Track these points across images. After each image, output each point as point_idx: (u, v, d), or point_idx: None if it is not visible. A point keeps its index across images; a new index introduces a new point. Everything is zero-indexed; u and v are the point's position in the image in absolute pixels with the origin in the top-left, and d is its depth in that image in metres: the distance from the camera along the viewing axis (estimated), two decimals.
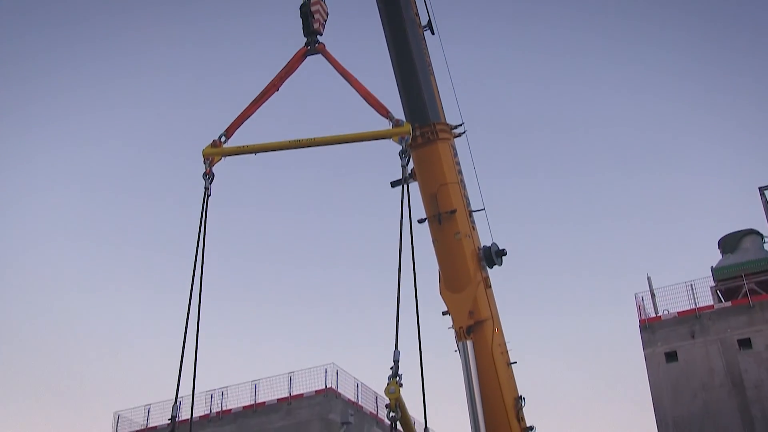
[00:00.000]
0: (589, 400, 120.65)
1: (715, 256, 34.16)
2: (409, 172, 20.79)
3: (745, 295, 31.16)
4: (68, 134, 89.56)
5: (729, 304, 31.33)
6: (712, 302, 31.84)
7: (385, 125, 15.65)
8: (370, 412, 36.58)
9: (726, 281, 32.37)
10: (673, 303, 32.25)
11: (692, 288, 31.93)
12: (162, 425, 36.47)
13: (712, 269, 32.88)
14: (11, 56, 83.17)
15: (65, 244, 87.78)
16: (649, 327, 31.93)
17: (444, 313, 23.66)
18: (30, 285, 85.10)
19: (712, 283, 32.72)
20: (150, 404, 38.84)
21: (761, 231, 33.91)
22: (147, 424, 38.43)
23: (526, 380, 23.78)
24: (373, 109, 15.99)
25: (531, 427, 23.53)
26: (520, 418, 23.46)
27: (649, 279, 33.00)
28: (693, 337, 31.19)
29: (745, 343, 30.32)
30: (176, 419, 21.16)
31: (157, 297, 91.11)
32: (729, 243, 33.81)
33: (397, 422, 19.57)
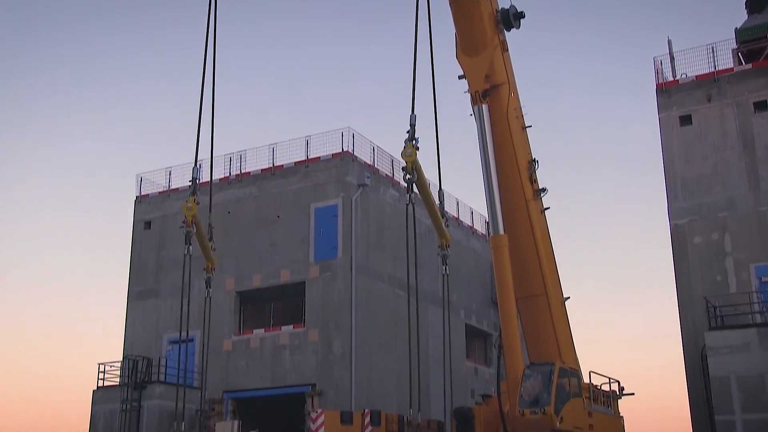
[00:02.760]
0: (600, 164, 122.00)
1: (741, 18, 33.26)
2: None
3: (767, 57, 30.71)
4: None
5: (749, 66, 30.94)
6: (732, 65, 31.42)
7: None
8: (386, 175, 37.32)
9: (749, 43, 31.71)
10: (693, 67, 31.85)
11: (713, 51, 31.37)
12: (183, 187, 37.45)
13: (736, 30, 32.12)
14: None
15: None
16: (666, 91, 31.75)
17: (460, 77, 23.60)
18: None
19: (735, 45, 32.11)
20: (171, 167, 39.75)
21: None
22: (169, 186, 39.50)
23: (538, 144, 24.04)
24: None
25: (543, 189, 24.10)
26: (533, 181, 24.00)
27: (669, 42, 32.37)
28: (709, 100, 31.10)
29: (760, 106, 30.26)
30: (197, 181, 21.87)
31: (173, 62, 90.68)
32: (757, 1, 32.68)
33: (413, 184, 20.18)
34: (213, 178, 24.71)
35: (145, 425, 33.05)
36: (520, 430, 21.35)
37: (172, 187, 39.34)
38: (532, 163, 23.98)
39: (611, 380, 24.27)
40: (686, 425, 29.48)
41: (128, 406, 33.16)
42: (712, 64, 31.32)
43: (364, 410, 23.39)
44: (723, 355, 24.93)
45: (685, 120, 31.40)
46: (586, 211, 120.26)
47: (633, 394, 25.19)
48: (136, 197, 40.32)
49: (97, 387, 34.96)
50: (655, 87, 31.94)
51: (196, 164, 21.97)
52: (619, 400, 24.52)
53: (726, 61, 31.56)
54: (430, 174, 21.77)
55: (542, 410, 20.78)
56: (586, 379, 23.04)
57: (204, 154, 23.47)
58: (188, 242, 20.83)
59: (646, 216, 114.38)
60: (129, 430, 32.80)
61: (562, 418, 20.91)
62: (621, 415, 24.49)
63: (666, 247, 30.95)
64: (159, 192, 39.78)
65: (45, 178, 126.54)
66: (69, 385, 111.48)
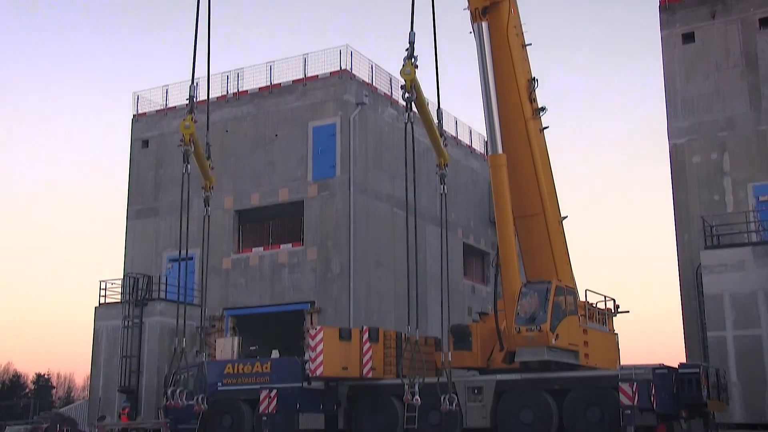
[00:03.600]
0: (600, 84, 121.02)
1: None
2: None
3: None
4: None
5: None
6: None
7: None
8: (385, 94, 37.05)
9: None
10: None
11: None
12: (181, 106, 37.20)
13: None
14: None
15: None
16: (670, 8, 31.32)
17: None
18: None
19: None
20: (168, 85, 39.42)
21: None
22: (166, 105, 39.23)
23: (538, 63, 23.78)
24: None
25: (542, 108, 23.98)
26: (532, 99, 23.87)
27: None
28: (713, 17, 30.71)
29: (766, 22, 29.89)
30: (194, 99, 21.73)
31: None
32: None
33: (412, 103, 20.05)
34: (210, 96, 24.51)
35: (147, 341, 33.58)
36: (517, 347, 21.71)
37: (170, 105, 39.09)
38: (532, 81, 23.80)
39: (606, 298, 24.57)
40: (679, 342, 30.01)
41: (130, 323, 33.63)
42: None
43: (363, 327, 23.71)
44: (717, 273, 25.19)
45: (688, 38, 31.06)
46: (584, 130, 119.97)
47: (628, 311, 25.51)
48: (134, 116, 40.07)
49: (99, 304, 35.41)
50: (659, 4, 31.50)
51: (193, 82, 21.82)
52: (614, 318, 24.85)
53: None
54: (428, 93, 21.63)
55: (538, 327, 21.09)
56: (581, 297, 23.31)
57: (201, 72, 23.30)
58: (186, 161, 20.80)
59: (645, 136, 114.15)
60: (131, 346, 33.35)
61: (557, 335, 21.24)
62: (616, 332, 24.86)
63: (665, 166, 30.98)
64: (156, 110, 39.53)
65: (42, 93, 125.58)
66: (72, 303, 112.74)
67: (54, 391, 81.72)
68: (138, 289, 34.49)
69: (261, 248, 35.80)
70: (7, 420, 42.59)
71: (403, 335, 23.10)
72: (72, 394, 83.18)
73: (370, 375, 22.70)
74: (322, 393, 23.72)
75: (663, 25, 31.37)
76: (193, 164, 21.42)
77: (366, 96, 35.06)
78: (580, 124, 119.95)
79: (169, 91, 39.19)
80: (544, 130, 24.11)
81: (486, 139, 24.51)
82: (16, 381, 78.25)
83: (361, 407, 23.21)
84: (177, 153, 23.33)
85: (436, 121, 21.78)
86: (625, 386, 17.19)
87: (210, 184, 23.02)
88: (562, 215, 24.01)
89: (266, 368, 24.22)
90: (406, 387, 19.49)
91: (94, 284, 52.14)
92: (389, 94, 37.25)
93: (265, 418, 20.70)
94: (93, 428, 31.06)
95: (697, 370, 20.42)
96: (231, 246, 36.08)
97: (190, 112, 21.21)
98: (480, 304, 40.01)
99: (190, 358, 23.45)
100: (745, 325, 24.47)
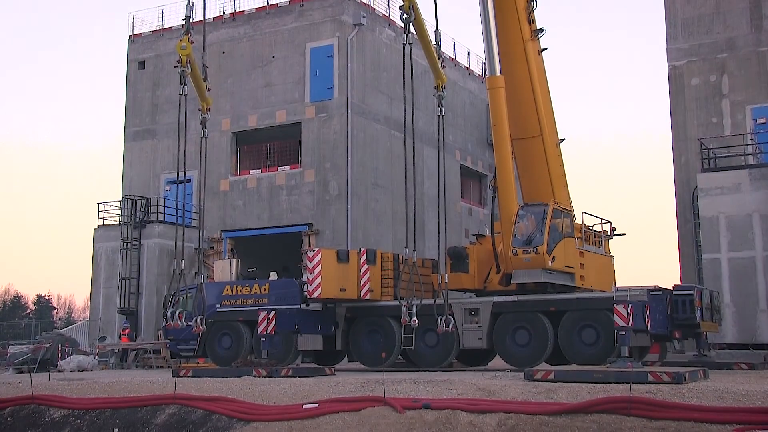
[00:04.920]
0: (600, 4, 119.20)
1: None
2: None
3: None
4: None
5: None
6: None
7: None
8: (383, 14, 36.58)
9: None
10: None
11: None
12: (177, 26, 36.69)
13: None
14: None
15: None
16: None
17: None
18: None
19: None
20: (163, 5, 38.88)
21: None
22: (162, 25, 38.75)
23: None
24: None
25: (541, 29, 23.68)
26: (531, 21, 23.56)
27: None
28: None
29: None
30: (190, 19, 21.42)
31: None
32: None
33: (410, 24, 19.82)
34: (207, 16, 24.17)
35: (146, 263, 33.84)
36: (513, 269, 21.89)
37: (166, 26, 38.60)
38: (531, 2, 23.45)
39: (603, 221, 24.68)
40: (674, 265, 30.28)
41: (129, 245, 33.84)
42: None
43: (360, 249, 23.84)
44: (714, 196, 25.27)
45: None
46: (583, 52, 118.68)
47: (624, 234, 25.66)
48: (129, 36, 39.61)
49: (98, 226, 35.56)
50: None
51: (189, 2, 21.48)
52: (610, 241, 25.00)
53: None
54: (426, 13, 21.36)
55: (535, 249, 21.23)
56: (578, 220, 23.41)
57: None
58: (183, 82, 20.61)
59: (644, 57, 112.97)
60: (130, 268, 33.62)
61: (554, 257, 21.39)
62: (612, 254, 25.04)
63: (663, 88, 30.81)
64: (152, 31, 39.06)
65: (37, 14, 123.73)
66: (71, 225, 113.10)
67: (55, 312, 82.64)
68: (136, 211, 34.61)
69: (259, 170, 35.80)
70: (9, 340, 43.22)
71: (400, 257, 23.26)
72: (72, 315, 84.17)
73: (367, 297, 22.92)
74: (320, 314, 24.00)
75: None
76: (191, 86, 21.25)
77: (364, 17, 34.63)
78: (578, 46, 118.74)
79: (165, 11, 38.74)
80: (543, 52, 23.87)
81: (484, 60, 24.27)
82: (17, 302, 79.06)
83: (359, 328, 23.50)
84: (174, 74, 23.13)
85: (433, 42, 21.55)
86: (620, 308, 17.36)
87: (207, 106, 22.86)
88: (560, 138, 23.95)
89: (264, 290, 24.44)
90: (404, 308, 19.70)
91: (93, 206, 52.20)
92: (387, 14, 36.78)
93: (263, 338, 20.93)
94: (94, 348, 31.55)
95: (692, 292, 20.63)
96: (229, 168, 36.07)
97: (187, 32, 20.91)
98: (477, 226, 40.24)
99: (188, 279, 23.64)
100: (739, 248, 24.66)
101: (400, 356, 23.42)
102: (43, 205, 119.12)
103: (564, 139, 24.00)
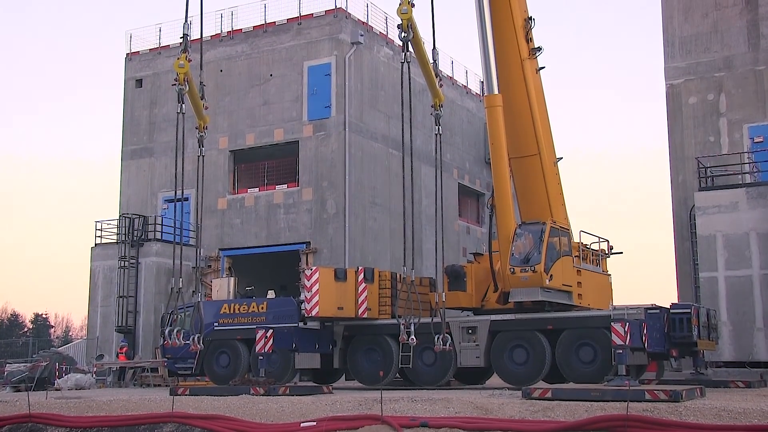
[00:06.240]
0: (598, 23, 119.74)
1: None
2: None
3: None
4: None
5: None
6: None
7: None
8: (381, 33, 36.71)
9: None
10: None
11: None
12: (174, 44, 36.82)
13: None
14: None
15: None
16: None
17: None
18: None
19: None
20: (161, 23, 39.01)
21: None
22: (159, 44, 38.84)
23: (534, 2, 23.52)
24: None
25: (539, 48, 23.78)
26: (529, 39, 23.66)
27: None
28: None
29: None
30: (188, 38, 21.47)
31: None
32: None
33: (409, 43, 19.87)
34: (204, 35, 24.23)
35: (143, 281, 33.77)
36: (511, 288, 21.87)
37: (163, 44, 38.70)
38: (529, 21, 23.57)
39: (600, 239, 24.68)
40: (671, 283, 30.21)
41: (126, 263, 33.78)
42: None
43: (358, 267, 23.83)
44: (711, 214, 25.28)
45: None
46: (581, 70, 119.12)
47: (621, 252, 25.67)
48: (127, 54, 39.70)
49: (95, 244, 35.51)
50: None
51: (186, 20, 21.53)
52: (607, 259, 24.99)
53: None
54: (424, 32, 21.44)
55: (532, 268, 21.22)
56: (576, 238, 23.41)
57: (194, 10, 22.98)
58: (181, 101, 20.65)
59: (642, 76, 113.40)
60: (128, 286, 33.55)
61: (551, 276, 21.38)
62: (609, 273, 25.03)
63: (660, 107, 30.92)
64: (150, 49, 39.15)
65: (34, 32, 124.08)
66: (68, 244, 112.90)
67: (52, 330, 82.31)
68: (134, 229, 34.57)
69: (256, 189, 35.81)
70: (6, 358, 43.04)
71: (398, 275, 23.23)
72: (70, 334, 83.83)
73: (365, 315, 22.87)
74: (318, 333, 23.94)
75: None
76: (188, 104, 21.28)
77: (361, 35, 34.74)
78: (576, 64, 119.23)
79: (162, 29, 38.82)
80: (541, 71, 23.96)
81: (482, 79, 24.31)
82: (14, 320, 78.74)
83: (357, 347, 23.44)
84: (171, 92, 23.13)
85: (431, 61, 21.61)
86: (617, 326, 17.34)
87: (204, 124, 22.87)
88: (558, 156, 23.99)
89: (262, 308, 24.40)
90: (402, 327, 19.65)
91: (90, 224, 52.19)
92: (385, 33, 36.90)
93: (261, 357, 20.86)
94: (91, 366, 31.43)
95: (689, 311, 20.62)
96: (226, 186, 36.08)
97: (184, 50, 20.96)
98: (475, 244, 40.21)
99: (186, 298, 23.60)
100: (736, 266, 24.66)
101: (397, 374, 23.35)
102: (40, 224, 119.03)
103: (562, 158, 24.05)
